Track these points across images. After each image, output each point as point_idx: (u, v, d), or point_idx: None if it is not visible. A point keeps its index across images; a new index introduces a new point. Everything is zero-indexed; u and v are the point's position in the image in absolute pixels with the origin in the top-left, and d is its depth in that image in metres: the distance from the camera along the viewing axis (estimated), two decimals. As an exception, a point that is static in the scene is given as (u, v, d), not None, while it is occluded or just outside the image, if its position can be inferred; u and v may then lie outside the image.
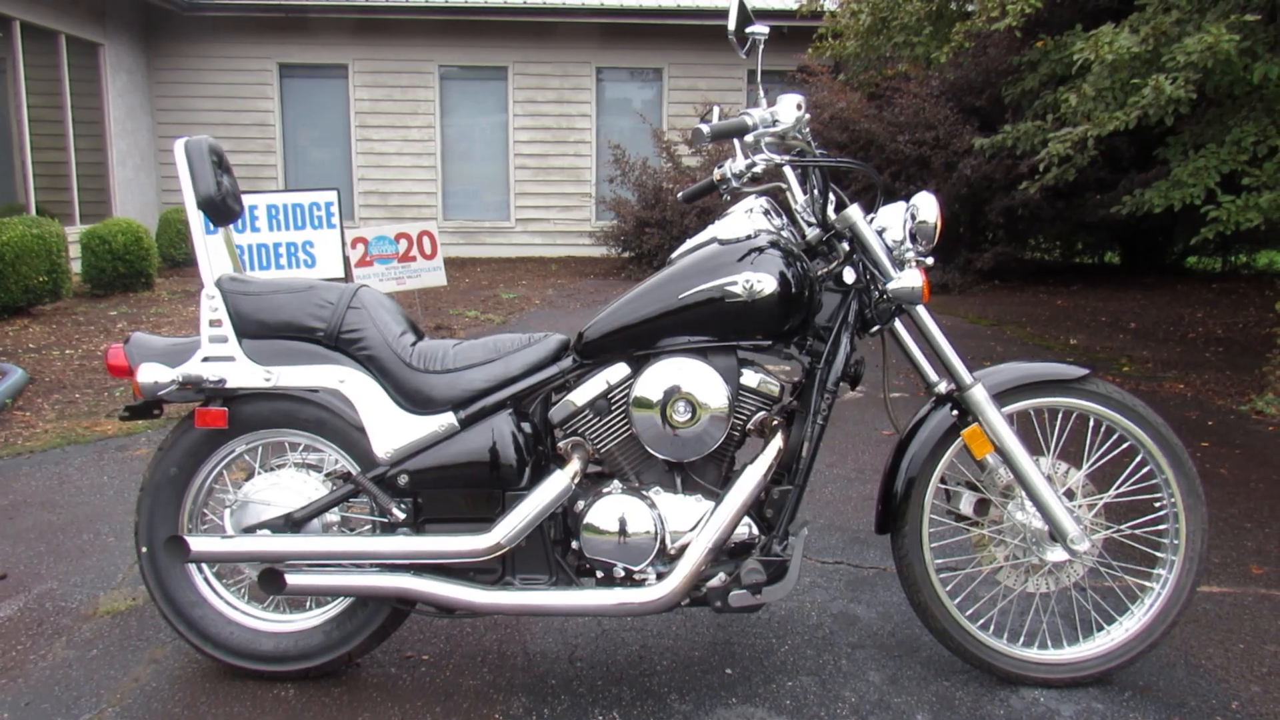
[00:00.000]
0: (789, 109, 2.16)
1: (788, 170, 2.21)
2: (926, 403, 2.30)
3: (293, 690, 2.29)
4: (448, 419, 2.17)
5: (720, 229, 2.18)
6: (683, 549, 2.10)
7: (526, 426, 2.18)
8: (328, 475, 2.28)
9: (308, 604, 2.35)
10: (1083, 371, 2.24)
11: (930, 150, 9.26)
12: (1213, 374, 5.82)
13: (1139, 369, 6.01)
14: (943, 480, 2.28)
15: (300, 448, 2.32)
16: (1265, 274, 10.87)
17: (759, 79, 2.21)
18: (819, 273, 2.19)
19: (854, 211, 2.17)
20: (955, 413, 2.24)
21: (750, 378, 2.14)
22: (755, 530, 2.17)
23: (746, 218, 2.19)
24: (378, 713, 2.19)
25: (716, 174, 2.16)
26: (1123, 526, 2.36)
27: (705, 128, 2.07)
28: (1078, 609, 2.46)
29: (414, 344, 2.23)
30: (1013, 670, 2.29)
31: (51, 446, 4.34)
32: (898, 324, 2.23)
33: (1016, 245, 10.06)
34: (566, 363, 2.21)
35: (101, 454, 4.24)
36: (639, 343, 2.14)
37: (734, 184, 2.15)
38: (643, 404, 2.09)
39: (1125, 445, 2.25)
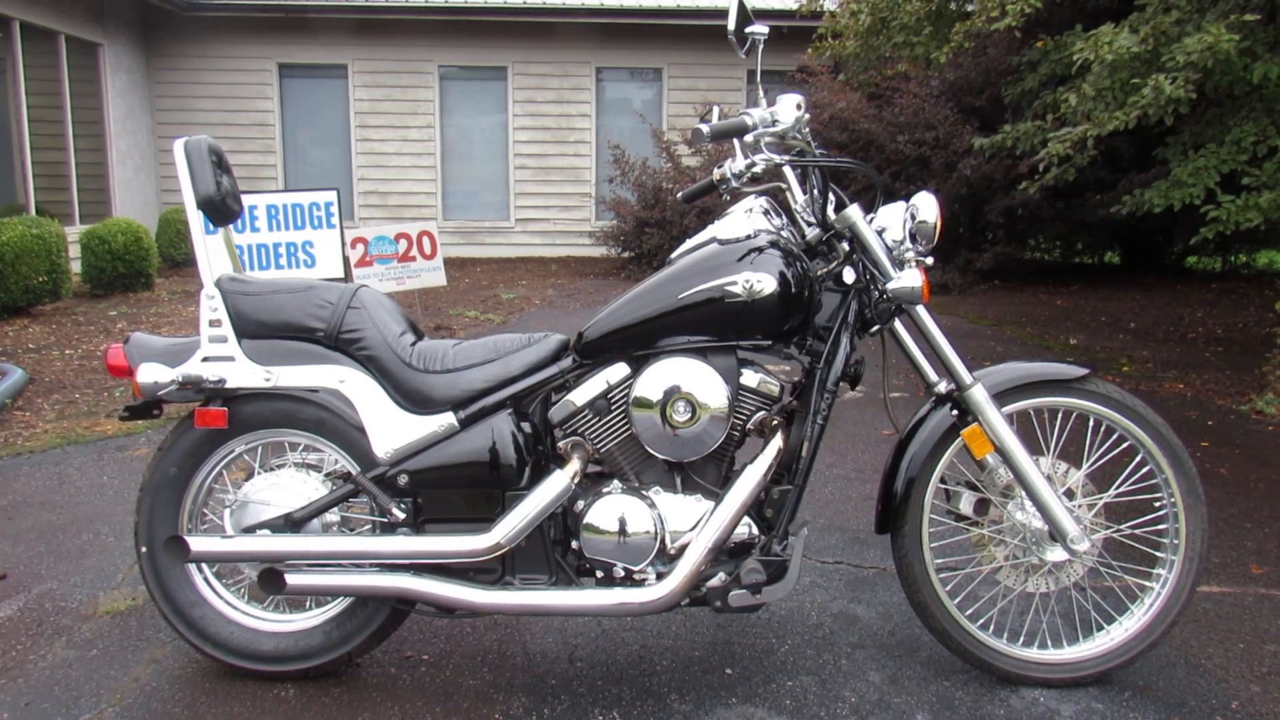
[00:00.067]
0: (789, 109, 2.16)
1: (787, 170, 2.21)
2: (926, 403, 2.30)
3: (293, 690, 2.28)
4: (447, 419, 2.17)
5: (720, 229, 2.18)
6: (682, 549, 2.10)
7: (526, 426, 2.18)
8: (327, 475, 2.28)
9: (308, 604, 2.35)
10: (1082, 371, 2.24)
11: (930, 150, 9.26)
12: (1213, 374, 5.82)
13: (1139, 369, 6.01)
14: (943, 480, 2.28)
15: (300, 448, 2.32)
16: (1265, 274, 10.87)
17: (759, 79, 2.21)
18: (819, 273, 2.19)
19: (854, 211, 2.17)
20: (955, 412, 2.24)
21: (750, 377, 2.14)
22: (755, 530, 2.17)
23: (746, 218, 2.19)
24: (378, 713, 2.19)
25: (716, 174, 2.16)
26: (1122, 526, 2.36)
27: (705, 128, 2.07)
28: (1077, 609, 2.46)
29: (414, 344, 2.23)
30: (1013, 670, 2.29)
31: (51, 446, 4.34)
32: (897, 324, 2.23)
33: (1016, 245, 10.06)
34: (566, 363, 2.21)
35: (101, 454, 4.24)
36: (639, 343, 2.14)
37: (734, 184, 2.14)
38: (642, 404, 2.09)
39: (1125, 445, 2.25)
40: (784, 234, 2.20)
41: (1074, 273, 11.01)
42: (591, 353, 2.18)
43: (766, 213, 2.23)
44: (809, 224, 2.25)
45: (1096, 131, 5.07)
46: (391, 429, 2.17)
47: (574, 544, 2.20)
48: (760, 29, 2.18)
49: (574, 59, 12.68)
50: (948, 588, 2.29)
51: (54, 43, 10.04)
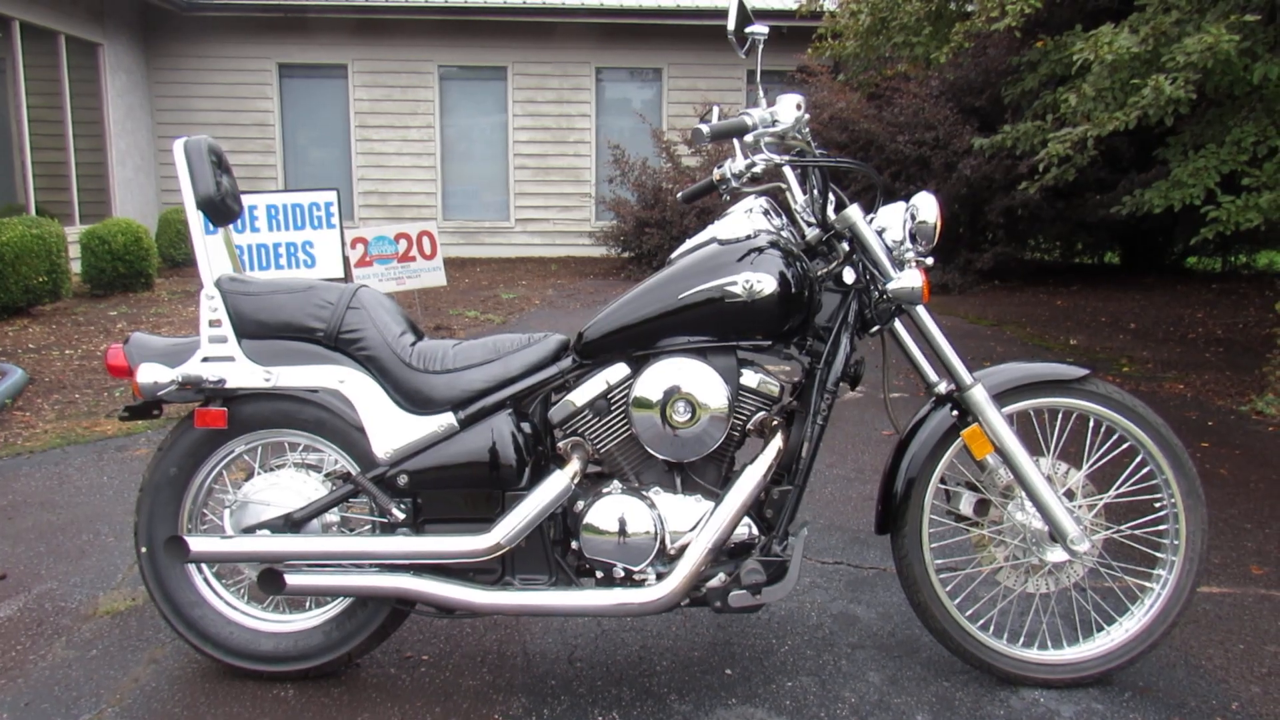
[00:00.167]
0: (788, 109, 2.16)
1: (787, 170, 2.21)
2: (926, 403, 2.30)
3: (292, 690, 2.28)
4: (447, 419, 2.17)
5: (720, 229, 2.18)
6: (682, 549, 2.10)
7: (526, 427, 2.18)
8: (327, 475, 2.28)
9: (307, 604, 2.35)
10: (1082, 372, 2.24)
11: (930, 150, 9.26)
12: (1212, 374, 5.82)
13: (1139, 369, 6.01)
14: (943, 480, 2.28)
15: (300, 448, 2.32)
16: (1265, 274, 10.87)
17: (758, 79, 2.21)
18: (819, 273, 2.19)
19: (854, 212, 2.17)
20: (955, 413, 2.24)
21: (750, 378, 2.14)
22: (755, 530, 2.17)
23: (746, 218, 2.19)
24: (377, 713, 2.19)
25: (716, 174, 2.16)
26: (1123, 527, 2.36)
27: (705, 128, 2.07)
28: (1078, 609, 2.46)
29: (414, 344, 2.23)
30: (1013, 671, 2.29)
31: (51, 447, 4.34)
32: (897, 324, 2.23)
33: (1016, 245, 10.06)
34: (566, 363, 2.21)
35: (101, 454, 4.24)
36: (639, 343, 2.14)
37: (734, 184, 2.14)
38: (642, 404, 2.09)
39: (1125, 446, 2.25)
40: (784, 234, 2.20)
41: (1074, 273, 11.01)
42: (591, 353, 2.18)
43: (766, 213, 2.23)
44: (809, 224, 2.24)
45: (1096, 132, 5.07)
46: (391, 429, 2.17)
47: (574, 544, 2.19)
48: (760, 29, 2.18)
49: (574, 59, 12.68)
50: (948, 588, 2.28)
51: (54, 43, 10.04)
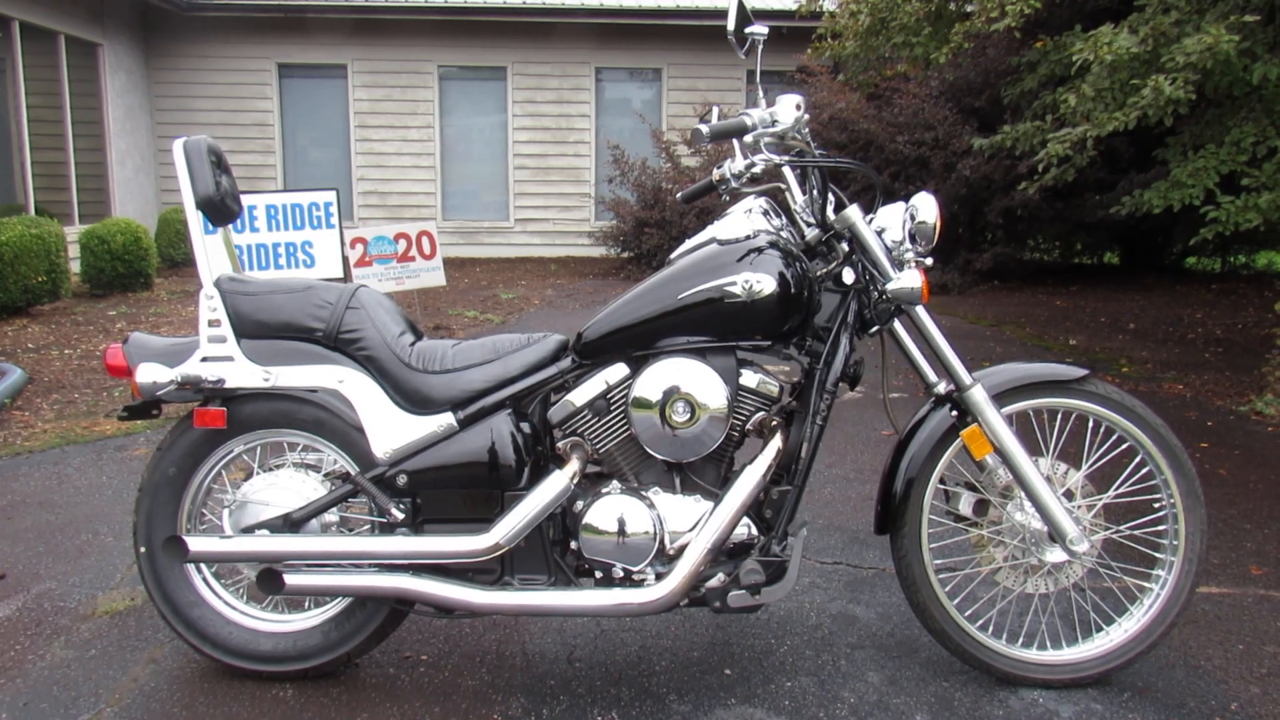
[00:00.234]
0: (788, 109, 2.16)
1: (787, 170, 2.21)
2: (926, 403, 2.30)
3: (291, 690, 2.28)
4: (446, 419, 2.17)
5: (719, 229, 2.18)
6: (682, 549, 2.10)
7: (525, 427, 2.18)
8: (326, 475, 2.27)
9: (306, 604, 2.35)
10: (1082, 372, 2.24)
11: (929, 151, 9.26)
12: (1212, 375, 5.82)
13: (1138, 370, 6.01)
14: (942, 481, 2.28)
15: (299, 448, 2.32)
16: (1265, 274, 10.87)
17: (758, 79, 2.21)
18: (818, 273, 2.19)
19: (853, 212, 2.17)
20: (954, 413, 2.24)
21: (749, 378, 2.14)
22: (754, 531, 2.17)
23: (746, 218, 2.19)
24: (376, 713, 2.19)
25: (716, 174, 2.16)
26: (1122, 527, 2.36)
27: (704, 128, 2.07)
28: (1077, 610, 2.46)
29: (413, 344, 2.23)
30: (1012, 671, 2.29)
31: (50, 446, 4.34)
32: (897, 324, 2.23)
33: (1016, 246, 10.06)
34: (565, 363, 2.21)
35: (100, 454, 4.24)
36: (638, 343, 2.14)
37: (733, 184, 2.14)
38: (642, 404, 2.09)
39: (1124, 446, 2.25)
40: (783, 234, 2.20)
41: (1073, 273, 11.01)
42: (591, 353, 2.18)
43: (766, 213, 2.23)
44: (808, 224, 2.24)
45: (1096, 132, 5.07)
46: (390, 429, 2.17)
47: (573, 544, 2.19)
48: (760, 29, 2.18)
49: (573, 59, 12.67)
50: (947, 588, 2.28)
51: (54, 43, 10.03)
